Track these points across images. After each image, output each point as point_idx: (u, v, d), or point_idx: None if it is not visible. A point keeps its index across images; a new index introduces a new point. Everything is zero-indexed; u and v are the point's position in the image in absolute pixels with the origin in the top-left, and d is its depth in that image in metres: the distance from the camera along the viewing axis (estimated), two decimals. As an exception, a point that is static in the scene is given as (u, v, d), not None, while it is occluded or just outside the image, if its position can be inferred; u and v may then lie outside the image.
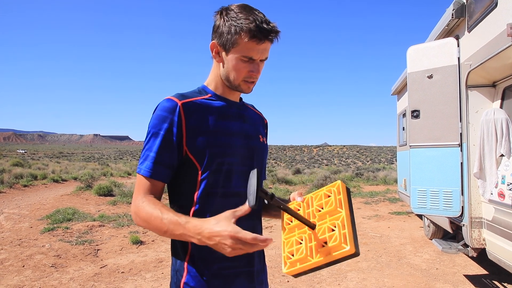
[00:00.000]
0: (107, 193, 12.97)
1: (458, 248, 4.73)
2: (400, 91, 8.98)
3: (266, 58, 1.33)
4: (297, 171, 26.26)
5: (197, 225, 1.11)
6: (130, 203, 11.35)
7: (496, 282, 4.64)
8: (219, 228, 1.05)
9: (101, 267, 5.29)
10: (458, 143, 4.55)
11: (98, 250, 6.14)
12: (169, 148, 1.26)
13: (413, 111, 4.73)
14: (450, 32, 4.98)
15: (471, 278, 4.83)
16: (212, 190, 1.29)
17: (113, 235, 7.15)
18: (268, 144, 1.58)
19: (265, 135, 1.56)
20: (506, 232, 3.74)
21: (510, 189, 3.64)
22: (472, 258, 5.48)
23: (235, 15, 1.27)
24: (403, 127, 8.79)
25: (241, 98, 1.50)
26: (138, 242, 6.60)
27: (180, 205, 1.32)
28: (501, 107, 4.20)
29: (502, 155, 3.36)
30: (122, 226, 7.90)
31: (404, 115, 8.56)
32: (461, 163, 4.55)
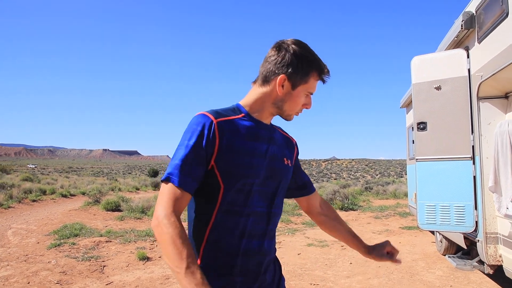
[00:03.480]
0: (115, 208, 12.93)
1: (473, 265, 4.58)
2: (409, 104, 8.88)
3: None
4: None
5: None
6: (138, 218, 11.29)
7: (513, 300, 4.48)
8: None
9: (106, 284, 5.20)
10: (470, 156, 4.44)
11: (104, 266, 6.06)
12: (198, 162, 1.31)
13: (419, 123, 4.63)
14: (459, 43, 4.91)
15: (487, 296, 4.67)
16: (231, 208, 1.35)
17: (119, 251, 7.07)
18: (296, 162, 1.68)
19: (292, 157, 1.62)
20: (524, 248, 3.60)
21: (526, 204, 3.52)
22: (488, 275, 5.30)
23: (307, 55, 1.41)
24: (413, 140, 8.68)
25: (271, 123, 1.57)
26: (144, 258, 6.51)
27: (198, 219, 1.39)
28: (514, 118, 4.10)
29: (517, 168, 3.26)
30: (129, 242, 7.82)
31: (413, 128, 8.47)
32: (474, 176, 4.43)
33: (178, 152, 1.32)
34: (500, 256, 4.15)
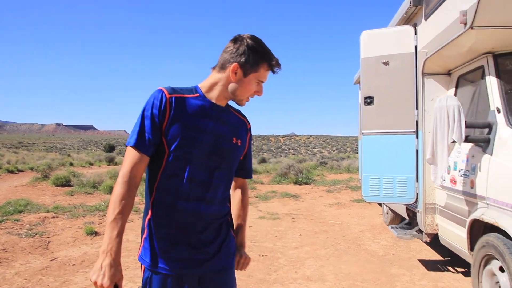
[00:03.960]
0: (65, 183, 12.51)
1: (412, 234, 4.79)
2: (360, 83, 9.03)
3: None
4: (263, 160, 26.29)
5: (109, 244, 1.44)
6: (88, 193, 11.02)
7: (448, 267, 4.74)
8: (107, 261, 1.41)
9: (51, 260, 5.05)
10: (414, 130, 4.58)
11: (49, 242, 5.87)
12: (153, 129, 1.56)
13: (366, 98, 4.70)
14: (409, 19, 4.98)
15: (424, 262, 4.91)
16: (172, 173, 1.60)
17: (66, 227, 6.87)
18: (248, 145, 1.88)
19: (244, 138, 1.82)
20: (457, 217, 3.79)
21: (461, 175, 3.68)
22: (426, 243, 5.58)
23: (259, 48, 1.65)
24: (364, 116, 8.88)
25: (227, 105, 1.77)
26: (92, 233, 6.36)
27: (149, 181, 1.65)
28: (455, 95, 4.24)
29: (454, 141, 3.38)
30: (77, 217, 7.60)
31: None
32: (417, 150, 4.58)
33: (137, 121, 1.59)
34: (437, 225, 4.36)
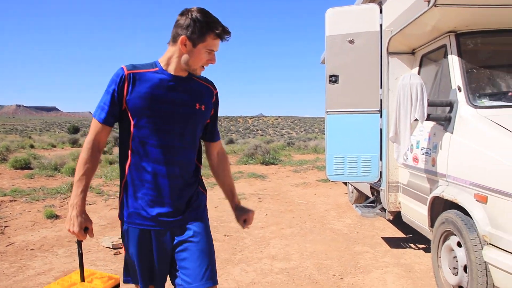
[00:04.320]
0: (25, 166, 12.02)
1: (376, 212, 4.85)
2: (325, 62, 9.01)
3: (217, 51, 1.84)
4: (230, 141, 26.19)
5: (75, 199, 1.77)
6: (50, 175, 10.63)
7: (410, 243, 4.85)
8: (75, 213, 1.75)
9: (7, 245, 4.83)
10: (378, 109, 4.59)
11: (5, 227, 5.62)
12: (113, 103, 1.77)
13: (331, 76, 4.66)
14: (374, -3, 4.94)
15: (387, 240, 5.01)
16: (140, 140, 1.79)
17: (25, 210, 6.60)
18: (214, 109, 2.03)
19: (209, 103, 1.96)
20: (419, 195, 3.85)
21: (423, 154, 3.72)
22: (390, 221, 5.69)
23: (204, 19, 1.75)
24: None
25: (189, 74, 1.89)
26: (53, 217, 6.14)
27: (122, 148, 1.86)
28: (419, 73, 4.26)
29: (416, 120, 3.40)
30: (37, 200, 7.32)
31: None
32: (381, 129, 4.61)
33: (102, 96, 1.81)
34: (399, 203, 4.43)
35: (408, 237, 5.12)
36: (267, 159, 13.72)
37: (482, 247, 2.69)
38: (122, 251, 4.30)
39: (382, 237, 5.13)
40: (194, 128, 1.90)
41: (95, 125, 1.82)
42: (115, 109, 1.79)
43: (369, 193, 5.52)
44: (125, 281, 1.98)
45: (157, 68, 1.83)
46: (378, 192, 4.89)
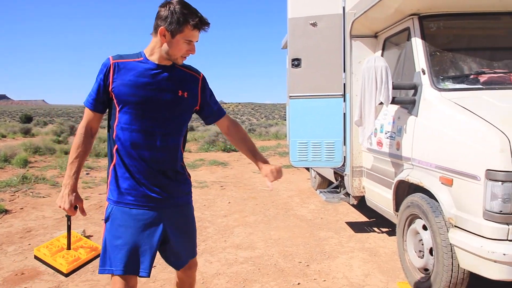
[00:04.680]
0: (-30, 158, 11.27)
1: (340, 198, 4.84)
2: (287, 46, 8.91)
3: (197, 41, 1.92)
4: (191, 129, 25.81)
5: (68, 179, 1.91)
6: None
7: (374, 227, 4.88)
8: (67, 191, 1.90)
9: None
10: (341, 93, 4.53)
11: None
12: (102, 91, 1.89)
13: (293, 60, 4.54)
14: (336, -21, 4.85)
15: (351, 224, 5.02)
16: (124, 125, 1.88)
17: (-30, 205, 6.15)
18: (202, 94, 2.09)
19: (194, 89, 2.03)
20: (383, 179, 3.84)
21: (387, 138, 3.70)
22: (353, 206, 5.70)
23: (182, 10, 1.81)
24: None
25: (173, 63, 1.97)
26: (2, 212, 5.74)
27: (109, 133, 1.95)
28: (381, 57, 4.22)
29: (381, 103, 3.36)
30: (-17, 193, 6.85)
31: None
32: (344, 113, 4.57)
33: (92, 85, 1.93)
34: (363, 188, 4.42)
35: (372, 221, 5.16)
36: (228, 146, 13.56)
37: (447, 230, 2.69)
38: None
39: (346, 222, 5.14)
40: (177, 114, 1.98)
41: (86, 112, 1.96)
42: (103, 97, 1.91)
43: (332, 179, 5.51)
44: (101, 272, 1.93)
45: (142, 58, 1.93)
46: (342, 177, 4.87)
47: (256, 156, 2.19)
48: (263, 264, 3.81)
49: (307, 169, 8.30)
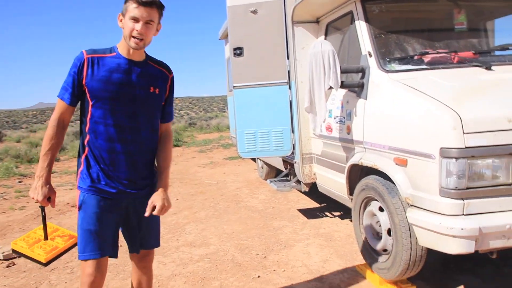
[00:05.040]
0: None
1: (291, 186, 4.81)
2: (228, 35, 8.75)
3: (152, 22, 1.92)
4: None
5: (41, 171, 1.95)
6: None
7: (326, 212, 4.91)
8: (40, 183, 1.93)
9: None
10: (286, 81, 4.47)
11: None
12: (75, 84, 1.93)
13: (235, 49, 4.41)
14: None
15: (304, 212, 5.03)
16: (97, 119, 1.95)
17: None
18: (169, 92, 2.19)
19: (163, 86, 2.12)
20: (335, 164, 3.84)
21: (337, 122, 3.69)
22: (303, 192, 5.70)
23: None
24: (232, 72, 8.65)
25: (146, 58, 2.07)
26: None
27: (82, 124, 2.01)
28: (324, 43, 4.20)
29: (330, 88, 3.32)
30: None
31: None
32: (290, 101, 4.52)
33: (65, 78, 1.96)
34: (314, 174, 4.41)
35: (323, 206, 5.20)
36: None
37: (405, 210, 2.72)
38: (17, 260, 3.73)
39: (298, 210, 5.13)
40: (148, 110, 2.06)
41: (59, 105, 1.99)
42: (76, 90, 1.94)
43: (282, 167, 5.48)
44: (81, 258, 2.00)
45: (115, 53, 1.99)
46: (292, 165, 4.84)
47: (162, 177, 2.15)
48: (219, 260, 3.68)
49: (253, 159, 8.24)
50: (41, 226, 2.24)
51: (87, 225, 1.99)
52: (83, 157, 2.02)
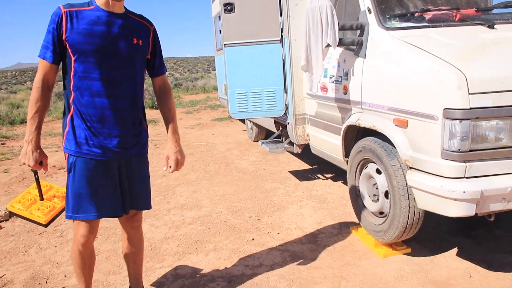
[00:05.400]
0: None
1: (284, 147, 4.73)
2: (215, -10, 8.38)
3: None
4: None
5: (30, 135, 1.90)
6: None
7: (318, 174, 4.87)
8: (30, 148, 1.89)
9: None
10: (279, 38, 4.30)
11: None
12: (55, 41, 1.87)
13: (226, 4, 4.17)
14: None
15: (295, 173, 4.98)
16: (81, 74, 1.90)
17: None
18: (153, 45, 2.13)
19: (146, 38, 2.06)
20: (330, 125, 3.74)
21: (333, 82, 3.57)
22: (294, 154, 5.65)
23: None
24: (220, 30, 8.33)
25: (126, 11, 2.00)
26: None
27: (66, 82, 1.96)
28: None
29: (328, 45, 3.18)
30: None
31: (220, 17, 8.07)
32: (283, 60, 4.36)
33: (44, 36, 1.90)
34: (308, 136, 4.33)
35: (315, 168, 5.16)
36: (155, 103, 12.95)
37: (404, 172, 2.66)
38: (4, 224, 3.62)
39: (289, 171, 5.09)
40: (133, 62, 2.01)
41: (41, 64, 1.91)
42: (58, 47, 1.88)
43: (273, 128, 5.37)
44: (69, 217, 2.02)
45: (93, 6, 1.91)
46: (284, 126, 4.74)
47: (172, 129, 2.20)
48: (212, 222, 3.63)
49: (243, 120, 8.12)
50: (35, 185, 2.22)
51: (78, 188, 1.97)
52: (68, 117, 1.97)
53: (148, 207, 2.25)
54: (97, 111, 1.93)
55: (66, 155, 1.99)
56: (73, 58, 1.88)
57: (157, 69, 2.20)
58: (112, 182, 2.03)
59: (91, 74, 1.90)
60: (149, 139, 2.27)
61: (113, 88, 1.94)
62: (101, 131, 1.95)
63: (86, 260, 2.14)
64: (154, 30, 2.13)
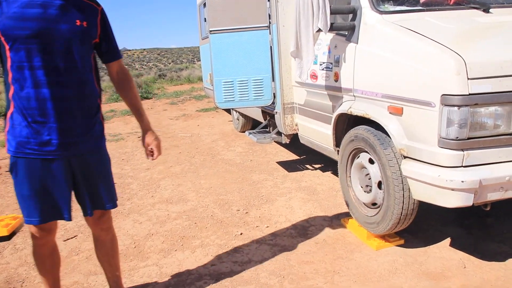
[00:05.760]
0: None
1: (272, 137, 4.60)
2: (199, -23, 8.14)
3: None
4: (95, 78, 23.90)
5: None
6: None
7: (306, 165, 4.76)
8: None
9: None
10: (267, 25, 4.15)
11: None
12: None
13: None
14: None
15: (283, 164, 4.85)
16: (18, 64, 1.71)
17: None
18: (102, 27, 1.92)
19: (93, 20, 1.85)
20: (320, 114, 3.62)
21: (323, 69, 3.44)
22: (281, 144, 5.52)
23: None
24: (205, 18, 8.10)
25: None
26: None
27: (4, 75, 1.77)
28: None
29: (319, 30, 3.04)
30: None
31: (205, 4, 7.83)
32: (271, 47, 4.21)
33: None
34: (296, 125, 4.20)
35: (303, 158, 5.04)
36: (140, 94, 12.65)
37: (398, 162, 2.55)
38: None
39: (277, 162, 4.96)
40: (78, 45, 1.81)
41: None
42: None
43: (260, 118, 5.23)
44: (26, 222, 1.88)
45: None
46: (272, 116, 4.60)
47: (142, 118, 2.10)
48: (198, 217, 3.49)
49: (228, 111, 7.95)
50: None
51: (21, 189, 1.84)
52: (8, 114, 1.80)
53: (114, 205, 2.08)
54: (39, 103, 1.74)
55: (9, 155, 1.85)
56: (7, 47, 1.70)
57: (109, 54, 2.02)
58: (59, 183, 1.85)
59: (29, 62, 1.71)
60: (128, 132, 2.15)
61: (56, 76, 1.75)
62: (44, 126, 1.76)
63: (46, 261, 2.01)
64: (102, 11, 1.92)
